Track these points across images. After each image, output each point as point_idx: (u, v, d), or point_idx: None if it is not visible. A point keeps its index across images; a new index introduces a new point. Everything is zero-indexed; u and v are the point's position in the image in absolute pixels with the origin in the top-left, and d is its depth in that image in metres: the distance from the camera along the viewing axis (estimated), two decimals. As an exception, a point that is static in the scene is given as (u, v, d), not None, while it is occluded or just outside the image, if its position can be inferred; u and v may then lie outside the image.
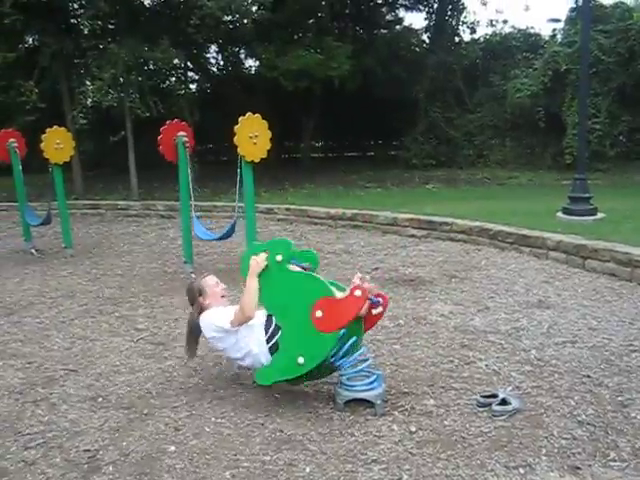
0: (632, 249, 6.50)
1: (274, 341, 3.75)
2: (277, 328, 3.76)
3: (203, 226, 7.82)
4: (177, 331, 5.35)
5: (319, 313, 3.57)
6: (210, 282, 4.20)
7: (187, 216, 7.65)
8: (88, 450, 3.39)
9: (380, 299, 3.89)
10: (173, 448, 3.38)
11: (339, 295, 3.70)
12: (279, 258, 3.77)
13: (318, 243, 9.08)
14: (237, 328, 3.82)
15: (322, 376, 4.00)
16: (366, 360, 3.87)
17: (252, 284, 3.77)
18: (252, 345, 3.83)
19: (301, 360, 3.63)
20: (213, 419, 3.70)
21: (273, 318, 3.80)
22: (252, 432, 3.53)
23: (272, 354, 3.77)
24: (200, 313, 4.07)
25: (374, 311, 3.88)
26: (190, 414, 3.78)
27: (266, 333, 3.79)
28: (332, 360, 3.79)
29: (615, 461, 3.10)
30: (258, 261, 3.79)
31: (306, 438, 3.43)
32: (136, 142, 14.88)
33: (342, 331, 3.67)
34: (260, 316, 3.85)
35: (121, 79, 14.04)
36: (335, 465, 3.15)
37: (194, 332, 4.14)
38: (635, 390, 3.87)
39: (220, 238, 7.33)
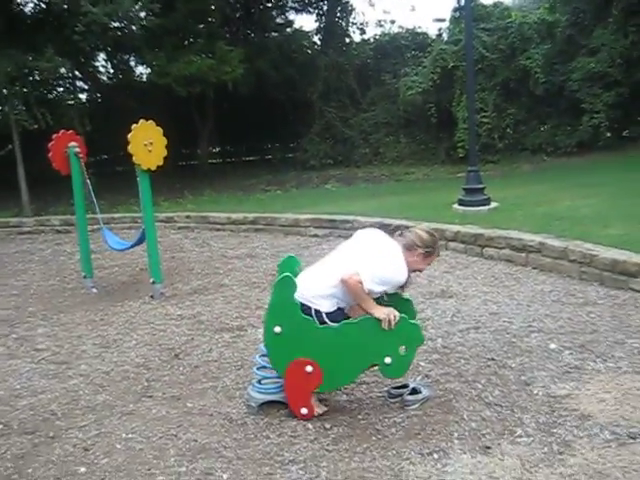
0: (525, 235, 6.80)
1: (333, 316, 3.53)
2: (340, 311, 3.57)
3: (115, 236, 7.57)
4: (80, 348, 5.16)
5: (309, 368, 3.47)
6: (425, 264, 3.77)
7: (84, 229, 7.40)
8: (-10, 481, 3.22)
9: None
10: (84, 469, 3.25)
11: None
12: (401, 351, 3.49)
13: (221, 249, 9.00)
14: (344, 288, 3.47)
15: None
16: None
17: (364, 303, 3.46)
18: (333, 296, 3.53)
19: (278, 329, 3.50)
20: (124, 435, 3.59)
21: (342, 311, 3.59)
22: (165, 445, 3.44)
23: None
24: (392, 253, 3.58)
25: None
26: (99, 432, 3.65)
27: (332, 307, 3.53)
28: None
29: (522, 437, 3.23)
30: (392, 320, 3.41)
31: (221, 445, 3.38)
32: (26, 156, 14.24)
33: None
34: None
35: (4, 90, 13.43)
36: (253, 469, 3.12)
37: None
38: (536, 368, 4.05)
39: (133, 245, 7.08)
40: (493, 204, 9.09)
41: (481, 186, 9.19)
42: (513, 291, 5.81)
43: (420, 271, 3.83)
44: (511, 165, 15.13)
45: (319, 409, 3.64)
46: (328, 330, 3.50)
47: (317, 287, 3.55)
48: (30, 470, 3.28)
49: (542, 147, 16.09)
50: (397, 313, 3.45)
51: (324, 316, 3.51)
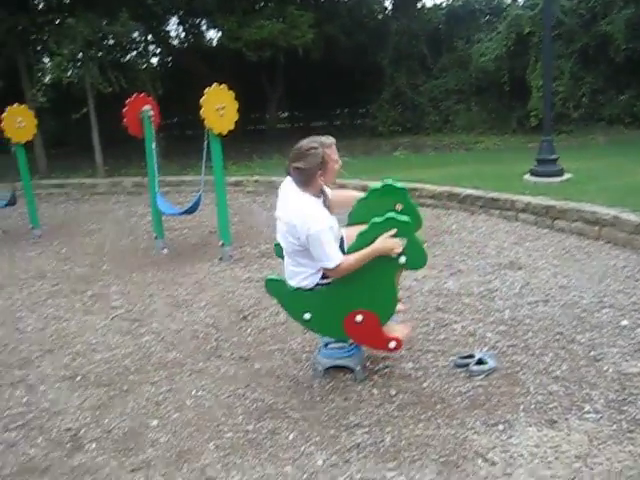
0: (599, 208, 6.60)
1: (324, 282, 3.51)
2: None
3: (167, 201, 7.73)
4: (152, 307, 5.33)
5: (359, 317, 3.48)
6: (334, 155, 3.49)
7: (155, 191, 7.56)
8: (69, 429, 3.39)
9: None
10: (155, 422, 3.39)
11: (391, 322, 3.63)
12: (402, 261, 3.39)
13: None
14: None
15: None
16: None
17: (367, 257, 3.33)
18: (312, 267, 3.48)
19: (307, 316, 3.58)
20: (194, 392, 3.71)
21: None
22: (233, 403, 3.55)
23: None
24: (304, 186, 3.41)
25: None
26: (170, 388, 3.79)
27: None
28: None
29: (590, 413, 3.19)
30: (394, 248, 3.32)
31: (287, 406, 3.46)
32: (99, 118, 14.59)
33: None
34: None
35: (80, 54, 13.73)
36: (318, 431, 3.18)
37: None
38: (606, 345, 3.97)
39: (184, 212, 7.22)
40: (566, 175, 8.84)
41: (554, 157, 8.94)
42: (584, 265, 5.67)
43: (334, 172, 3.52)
44: (586, 136, 14.63)
45: (404, 329, 3.73)
46: (339, 281, 3.47)
47: (296, 278, 3.57)
48: (106, 420, 3.45)
49: (620, 118, 15.47)
50: (388, 235, 3.33)
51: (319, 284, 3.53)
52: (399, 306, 3.73)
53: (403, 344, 3.63)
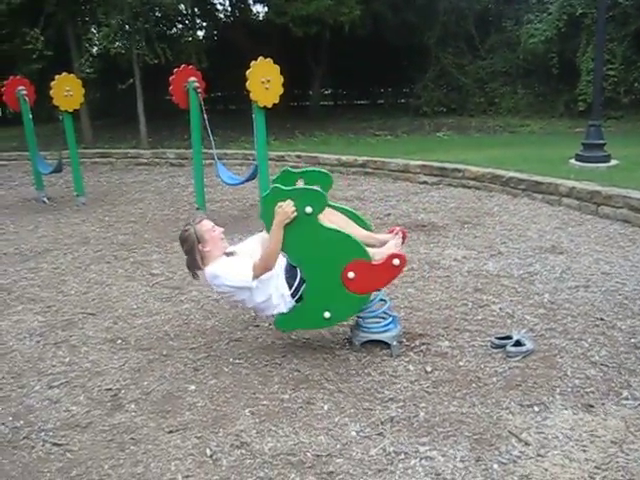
0: (646, 195, 6.47)
1: (299, 295, 3.64)
2: (302, 281, 3.62)
3: (228, 171, 7.80)
4: (192, 276, 5.40)
5: (351, 275, 3.51)
6: (206, 226, 3.71)
7: (199, 163, 7.64)
8: (110, 389, 3.47)
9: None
10: (193, 387, 3.45)
11: (375, 252, 3.64)
12: (309, 210, 3.44)
13: (330, 190, 9.05)
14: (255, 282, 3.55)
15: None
16: (385, 302, 3.88)
17: (278, 235, 3.46)
18: (272, 296, 3.64)
19: (327, 315, 3.64)
20: (231, 360, 3.77)
21: (297, 270, 3.64)
22: (270, 372, 3.59)
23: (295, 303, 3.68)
24: (201, 263, 3.70)
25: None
26: (208, 355, 3.85)
27: (290, 287, 3.63)
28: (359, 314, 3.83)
29: (628, 399, 3.15)
30: (287, 211, 3.42)
31: (323, 378, 3.49)
32: (145, 90, 14.75)
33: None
34: (280, 265, 3.64)
35: (127, 26, 13.85)
36: (352, 403, 3.21)
37: (195, 277, 3.87)
38: (648, 332, 3.91)
39: (245, 181, 7.29)
40: (613, 162, 8.67)
41: (602, 142, 8.76)
42: (628, 252, 5.57)
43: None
44: (636, 122, 14.30)
45: (391, 243, 3.81)
46: (302, 274, 3.63)
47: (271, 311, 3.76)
48: (145, 383, 3.52)
49: (672, 104, 15.12)
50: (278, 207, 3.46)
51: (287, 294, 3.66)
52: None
53: (403, 255, 3.60)
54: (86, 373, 3.68)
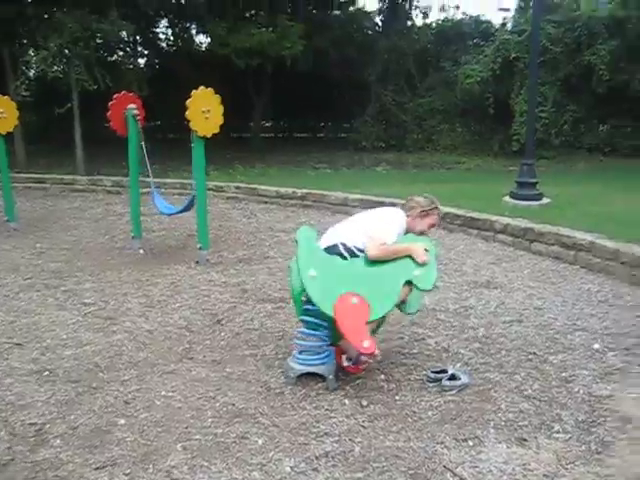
0: (576, 233, 6.67)
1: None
2: None
3: (165, 200, 7.68)
4: (126, 305, 5.27)
5: (355, 300, 3.56)
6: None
7: (136, 191, 7.52)
8: (34, 423, 3.32)
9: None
10: (123, 421, 3.33)
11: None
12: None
13: (268, 221, 9.06)
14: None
15: None
16: (324, 341, 3.82)
17: (398, 253, 3.76)
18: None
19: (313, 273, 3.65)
20: (163, 393, 3.67)
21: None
22: (203, 405, 3.51)
23: None
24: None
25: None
26: (140, 388, 3.74)
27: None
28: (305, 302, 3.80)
29: (559, 433, 3.20)
30: (423, 256, 3.72)
31: (258, 412, 3.43)
32: (82, 116, 14.49)
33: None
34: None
35: (67, 50, 13.63)
36: (287, 437, 3.16)
37: None
38: (578, 366, 4.00)
39: (180, 211, 7.17)
40: (545, 200, 8.94)
41: (534, 180, 9.03)
42: (559, 288, 5.73)
43: (424, 233, 4.07)
44: (566, 163, 14.83)
45: (379, 352, 3.72)
46: (358, 261, 3.75)
47: (345, 235, 3.88)
48: (73, 417, 3.38)
49: (600, 147, 15.74)
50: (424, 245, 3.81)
51: (354, 249, 3.79)
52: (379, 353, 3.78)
53: (376, 353, 3.59)
54: (9, 406, 3.50)
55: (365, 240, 3.78)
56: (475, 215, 7.99)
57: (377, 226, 3.87)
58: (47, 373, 3.96)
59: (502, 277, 6.08)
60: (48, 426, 3.29)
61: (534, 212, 8.11)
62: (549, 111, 15.38)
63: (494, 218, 7.73)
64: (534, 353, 4.22)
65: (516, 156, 14.01)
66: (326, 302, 3.55)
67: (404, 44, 18.68)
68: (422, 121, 18.53)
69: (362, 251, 3.78)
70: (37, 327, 4.79)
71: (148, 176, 7.43)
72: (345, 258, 3.76)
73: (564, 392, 3.65)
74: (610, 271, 6.06)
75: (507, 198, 9.12)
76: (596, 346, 4.33)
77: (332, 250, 3.77)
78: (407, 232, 3.99)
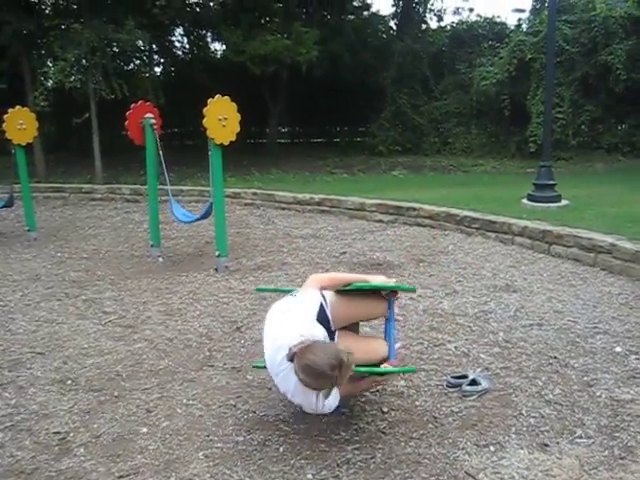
0: (595, 235, 6.62)
1: None
2: None
3: (182, 208, 7.72)
4: (146, 314, 5.31)
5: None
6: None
7: (155, 199, 7.58)
8: (58, 432, 3.35)
9: None
10: (145, 430, 3.36)
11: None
12: None
13: (286, 227, 9.07)
14: None
15: None
16: None
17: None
18: None
19: None
20: (184, 401, 3.69)
21: None
22: (224, 413, 3.53)
23: None
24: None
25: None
26: (161, 396, 3.76)
27: None
28: None
29: (582, 438, 3.18)
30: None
31: (278, 419, 3.44)
32: (100, 125, 14.63)
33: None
34: None
35: (84, 60, 13.76)
36: (308, 445, 3.16)
37: None
38: (600, 370, 3.96)
39: (199, 219, 7.20)
40: (563, 202, 8.89)
41: (552, 182, 8.98)
42: (579, 291, 5.68)
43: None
44: (584, 163, 14.74)
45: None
46: None
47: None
48: (95, 425, 3.41)
49: (618, 147, 15.63)
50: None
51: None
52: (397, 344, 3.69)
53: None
54: (33, 416, 3.55)
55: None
56: (493, 218, 7.95)
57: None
58: (69, 382, 3.99)
59: (521, 280, 6.04)
60: (72, 435, 3.32)
61: (552, 214, 8.07)
62: (566, 112, 15.30)
63: (512, 221, 7.69)
64: (555, 357, 4.19)
65: (533, 158, 13.97)
66: None
67: (419, 47, 18.71)
68: (438, 124, 18.51)
69: None
70: (59, 336, 4.84)
71: (166, 184, 7.48)
72: None
73: (586, 396, 3.62)
74: (630, 273, 6.01)
75: (525, 200, 9.08)
76: (618, 349, 4.30)
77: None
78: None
